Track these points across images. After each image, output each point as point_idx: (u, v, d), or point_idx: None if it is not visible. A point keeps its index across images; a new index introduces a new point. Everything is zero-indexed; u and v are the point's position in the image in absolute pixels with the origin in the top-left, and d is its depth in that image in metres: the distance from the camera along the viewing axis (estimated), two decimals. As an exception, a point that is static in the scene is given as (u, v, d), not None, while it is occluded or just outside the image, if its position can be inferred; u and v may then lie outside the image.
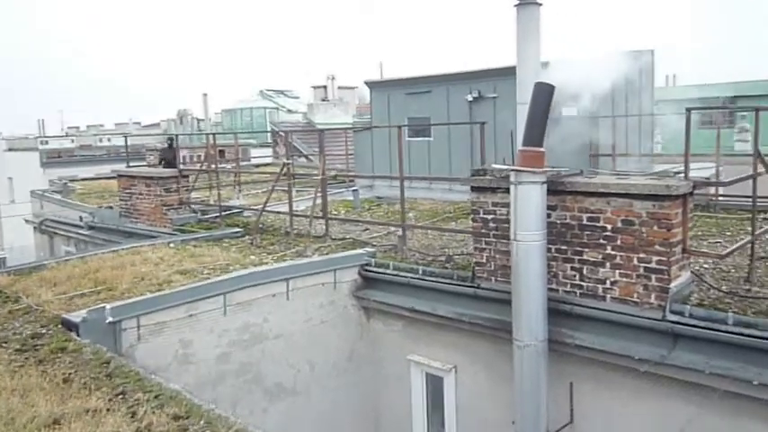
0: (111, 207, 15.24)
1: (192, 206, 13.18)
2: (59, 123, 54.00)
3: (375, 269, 8.66)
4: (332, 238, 10.01)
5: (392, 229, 10.59)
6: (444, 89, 14.51)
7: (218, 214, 13.00)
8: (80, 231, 15.36)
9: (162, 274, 7.92)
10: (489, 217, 7.43)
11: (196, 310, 7.02)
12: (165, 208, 12.80)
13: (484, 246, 7.53)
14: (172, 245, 10.05)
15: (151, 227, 13.14)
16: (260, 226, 11.83)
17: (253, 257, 9.04)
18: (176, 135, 16.37)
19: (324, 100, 30.59)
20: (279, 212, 11.79)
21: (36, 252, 17.70)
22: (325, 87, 30.62)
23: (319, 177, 9.71)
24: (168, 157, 13.54)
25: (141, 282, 7.63)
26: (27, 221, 18.17)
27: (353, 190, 13.84)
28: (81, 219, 15.42)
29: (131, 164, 16.89)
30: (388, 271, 8.48)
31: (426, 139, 15.03)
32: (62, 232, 16.40)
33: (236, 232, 11.06)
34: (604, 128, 12.53)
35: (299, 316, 8.05)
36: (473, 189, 7.57)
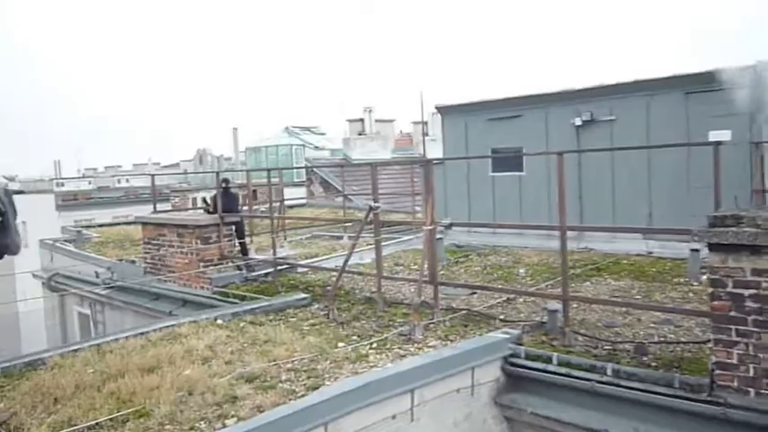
0: (133, 261, 12.58)
1: (237, 261, 10.47)
2: (76, 164, 52.09)
3: (529, 364, 5.83)
4: (442, 310, 7.20)
5: (505, 295, 7.81)
6: (541, 112, 11.83)
7: (268, 271, 10.31)
8: (96, 291, 12.69)
9: (219, 382, 5.13)
10: (747, 292, 4.62)
11: (283, 453, 4.24)
12: (202, 264, 10.10)
13: (735, 338, 4.70)
14: (220, 321, 7.30)
15: (184, 287, 10.44)
16: (328, 289, 9.10)
17: (342, 345, 6.24)
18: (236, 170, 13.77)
19: (361, 134, 28.16)
20: (361, 273, 9.00)
21: (45, 317, 15.04)
22: (362, 120, 28.21)
23: (427, 227, 6.95)
24: (228, 203, 10.83)
25: (189, 399, 4.85)
26: (35, 276, 15.54)
27: (438, 239, 11.05)
28: (97, 275, 12.77)
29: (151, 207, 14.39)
30: (551, 368, 5.64)
31: (516, 173, 12.29)
32: (75, 290, 13.73)
33: (302, 299, 8.29)
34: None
35: (428, 444, 5.22)
36: (715, 247, 4.78)
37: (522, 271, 9.44)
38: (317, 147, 40.07)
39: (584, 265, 9.54)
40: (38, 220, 28.72)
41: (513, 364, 5.93)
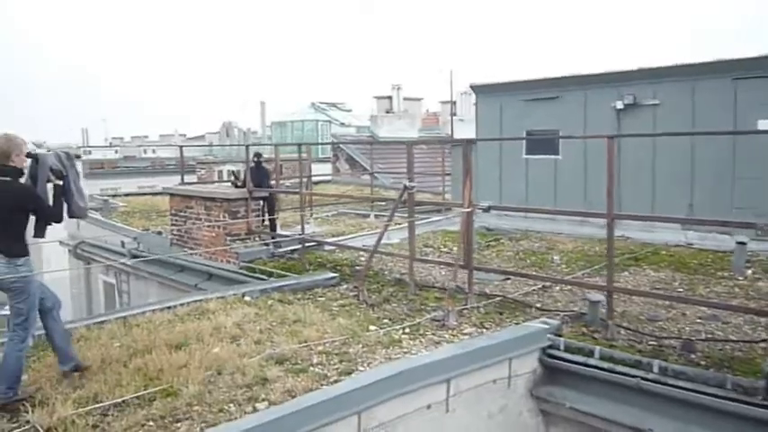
0: (159, 232, 12.49)
1: (265, 237, 10.31)
2: (103, 133, 52.34)
3: (568, 357, 5.58)
4: (476, 296, 6.96)
5: (541, 282, 7.54)
6: (580, 94, 11.42)
7: (295, 248, 10.13)
8: (122, 260, 12.65)
9: (248, 363, 4.96)
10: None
11: (315, 440, 4.06)
12: (229, 238, 9.95)
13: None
14: (248, 297, 7.13)
15: (210, 260, 10.31)
16: (356, 269, 8.90)
17: (373, 329, 6.03)
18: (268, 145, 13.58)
19: (388, 112, 27.77)
20: (391, 254, 8.76)
21: (70, 285, 15.07)
22: (389, 98, 27.79)
23: (465, 209, 6.69)
24: (259, 178, 10.69)
25: (218, 380, 4.68)
26: (62, 243, 15.55)
27: (468, 221, 10.76)
28: (123, 245, 12.71)
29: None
30: (593, 362, 5.39)
31: (552, 156, 11.94)
32: (100, 259, 13.71)
33: (331, 278, 8.10)
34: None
35: (462, 436, 5.03)
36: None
37: (556, 258, 9.15)
38: (342, 123, 39.76)
39: (621, 254, 9.20)
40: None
41: (551, 356, 5.69)
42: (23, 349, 4.50)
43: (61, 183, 4.68)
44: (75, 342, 5.69)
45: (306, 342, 5.48)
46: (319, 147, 31.89)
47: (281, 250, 10.18)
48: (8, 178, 4.42)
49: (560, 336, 5.78)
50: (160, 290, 11.72)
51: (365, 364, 5.04)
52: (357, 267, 9.01)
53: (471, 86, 13.00)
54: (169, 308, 6.61)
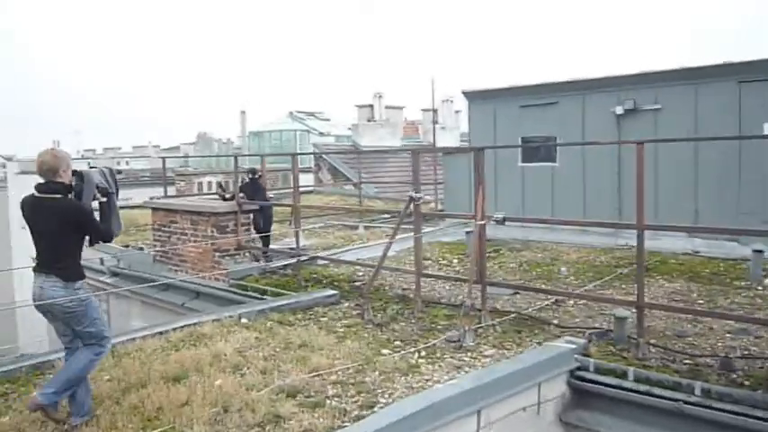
0: (141, 248, 11.90)
1: (256, 252, 9.80)
2: (75, 145, 51.13)
3: (599, 379, 5.18)
4: (490, 313, 6.54)
5: (553, 296, 7.17)
6: (578, 99, 11.13)
7: (287, 263, 9.66)
8: (101, 279, 12.01)
9: (257, 397, 4.47)
10: None
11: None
12: (218, 254, 9.43)
13: None
14: (245, 319, 6.63)
15: (198, 278, 9.77)
16: (355, 284, 8.46)
17: (386, 352, 5.58)
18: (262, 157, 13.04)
19: (370, 120, 27.37)
20: (397, 269, 8.30)
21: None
22: (371, 107, 27.39)
23: (478, 222, 6.28)
24: (256, 194, 10.09)
25: (226, 418, 4.19)
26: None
27: (468, 232, 10.38)
28: (102, 262, 12.08)
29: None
30: (627, 384, 5.00)
31: (548, 164, 11.61)
32: (78, 277, 13.05)
33: (331, 296, 7.63)
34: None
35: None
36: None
37: (563, 269, 8.78)
38: (321, 132, 39.27)
39: (629, 263, 8.87)
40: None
41: (580, 378, 5.30)
42: (96, 359, 4.29)
43: (105, 200, 4.48)
44: (60, 375, 5.15)
45: (317, 371, 5.00)
46: (299, 157, 31.30)
47: (272, 266, 9.70)
48: (59, 195, 4.16)
49: (588, 356, 5.40)
50: (143, 309, 11.12)
51: (386, 395, 4.58)
52: (356, 283, 8.56)
53: (463, 92, 12.64)
54: (161, 333, 6.08)
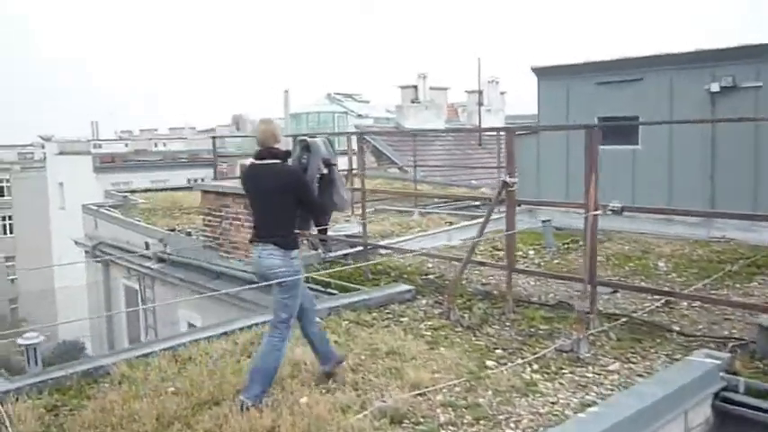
0: (189, 233, 11.25)
1: (311, 240, 9.02)
2: (112, 126, 51.09)
3: (753, 403, 4.29)
4: (598, 314, 5.67)
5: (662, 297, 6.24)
6: (665, 76, 10.08)
7: (347, 252, 8.91)
8: (146, 264, 11.43)
9: (356, 424, 3.69)
10: None
11: None
12: (274, 242, 8.66)
13: None
14: (317, 318, 5.85)
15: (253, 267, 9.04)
16: (428, 278, 7.66)
17: (491, 364, 4.76)
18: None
19: (414, 102, 26.41)
20: (483, 264, 7.42)
21: (88, 293, 13.82)
22: (415, 87, 26.43)
23: (591, 213, 5.38)
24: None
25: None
26: (77, 244, 14.34)
27: (544, 221, 9.47)
28: (147, 246, 11.50)
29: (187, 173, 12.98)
30: (794, 413, 4.10)
31: (630, 147, 10.60)
32: (122, 262, 12.50)
33: (406, 291, 6.83)
34: None
35: None
36: None
37: (661, 264, 7.85)
38: (360, 114, 38.42)
39: (734, 258, 7.92)
40: (76, 183, 27.82)
41: (727, 401, 4.42)
42: (283, 349, 4.13)
43: (327, 172, 4.42)
44: (116, 384, 4.45)
45: (417, 388, 4.20)
46: (340, 139, 30.80)
47: (331, 255, 8.93)
48: (278, 161, 4.19)
49: (736, 374, 4.50)
50: (193, 298, 10.51)
51: (511, 423, 3.77)
52: (428, 276, 7.76)
53: (532, 69, 11.65)
54: (226, 333, 5.35)
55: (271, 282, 4.06)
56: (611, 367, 4.71)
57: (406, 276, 7.79)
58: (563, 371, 4.64)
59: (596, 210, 5.47)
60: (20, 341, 4.90)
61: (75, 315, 14.89)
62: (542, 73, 11.71)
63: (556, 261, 8.47)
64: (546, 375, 4.56)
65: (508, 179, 6.08)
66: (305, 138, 4.47)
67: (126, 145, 42.10)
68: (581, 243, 9.52)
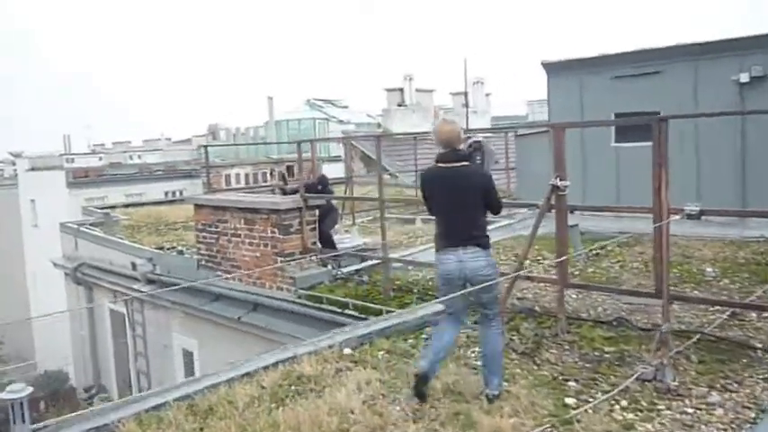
0: (180, 251, 10.39)
1: (319, 255, 8.25)
2: (85, 140, 49.45)
3: None
4: (672, 332, 4.97)
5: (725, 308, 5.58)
6: (689, 67, 9.51)
7: (359, 267, 8.20)
8: (134, 286, 10.53)
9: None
10: None
11: None
12: (280, 259, 7.89)
13: None
14: (348, 350, 5.09)
15: (256, 287, 8.27)
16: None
17: (572, 403, 4.04)
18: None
19: (400, 105, 25.71)
20: (537, 278, 6.65)
21: (70, 319, 12.82)
22: (401, 90, 25.75)
23: (665, 220, 4.71)
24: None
25: None
26: (56, 265, 13.35)
27: (572, 225, 8.78)
28: (134, 267, 10.61)
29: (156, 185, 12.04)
30: None
31: (650, 143, 9.96)
32: (106, 285, 11.57)
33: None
34: None
35: None
36: None
37: (709, 269, 7.21)
38: (341, 120, 37.66)
39: (784, 261, 7.33)
40: (49, 199, 26.61)
41: None
42: (502, 334, 4.32)
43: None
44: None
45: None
46: (327, 145, 30.15)
47: (343, 271, 8.18)
48: (466, 162, 4.16)
49: None
50: (184, 321, 9.67)
51: (630, 486, 3.03)
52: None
53: (542, 64, 11.03)
54: (249, 374, 4.54)
55: (477, 286, 3.95)
56: (710, 399, 4.02)
57: (432, 294, 7.04)
58: (657, 407, 3.93)
59: (669, 215, 4.79)
60: (3, 396, 4.04)
61: (55, 342, 13.87)
62: (553, 68, 11.09)
63: (591, 270, 7.79)
64: (640, 414, 3.85)
65: (559, 183, 5.38)
66: (479, 140, 4.47)
67: (100, 159, 40.83)
68: (609, 248, 8.90)
